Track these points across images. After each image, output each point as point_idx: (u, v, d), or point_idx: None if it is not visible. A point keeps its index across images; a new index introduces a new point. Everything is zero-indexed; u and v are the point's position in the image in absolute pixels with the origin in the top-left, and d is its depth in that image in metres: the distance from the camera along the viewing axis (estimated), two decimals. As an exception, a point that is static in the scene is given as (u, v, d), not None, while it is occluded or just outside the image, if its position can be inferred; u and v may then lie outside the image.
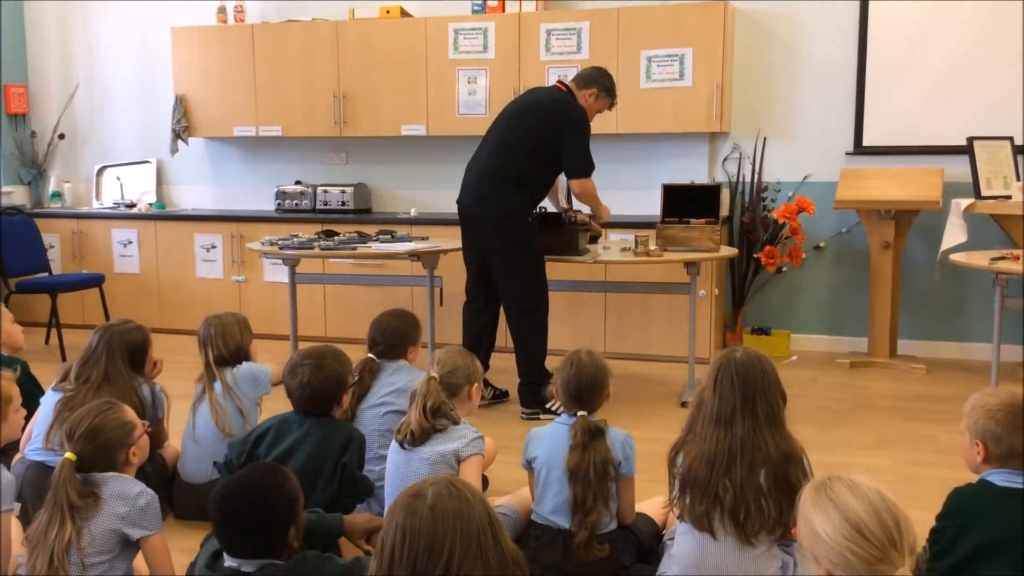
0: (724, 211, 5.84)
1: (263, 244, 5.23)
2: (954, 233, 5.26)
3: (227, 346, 3.43)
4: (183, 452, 3.41)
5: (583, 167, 4.59)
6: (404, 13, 6.37)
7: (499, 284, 4.69)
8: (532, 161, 4.58)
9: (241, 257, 6.53)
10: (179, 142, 6.79)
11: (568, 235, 4.78)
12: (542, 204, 4.85)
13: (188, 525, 3.24)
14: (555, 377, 2.91)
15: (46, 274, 6.48)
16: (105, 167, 7.32)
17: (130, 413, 2.59)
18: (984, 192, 5.28)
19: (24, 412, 2.84)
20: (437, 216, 6.25)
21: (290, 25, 6.52)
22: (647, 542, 2.83)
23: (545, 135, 4.55)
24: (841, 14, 5.82)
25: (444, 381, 2.90)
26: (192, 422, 3.37)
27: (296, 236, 5.31)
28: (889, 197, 5.40)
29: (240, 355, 3.47)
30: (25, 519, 2.68)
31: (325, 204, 6.58)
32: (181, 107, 6.72)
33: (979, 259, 4.59)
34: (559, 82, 4.78)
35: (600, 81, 4.68)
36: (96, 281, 6.39)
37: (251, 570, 2.06)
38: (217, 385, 3.37)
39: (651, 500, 3.00)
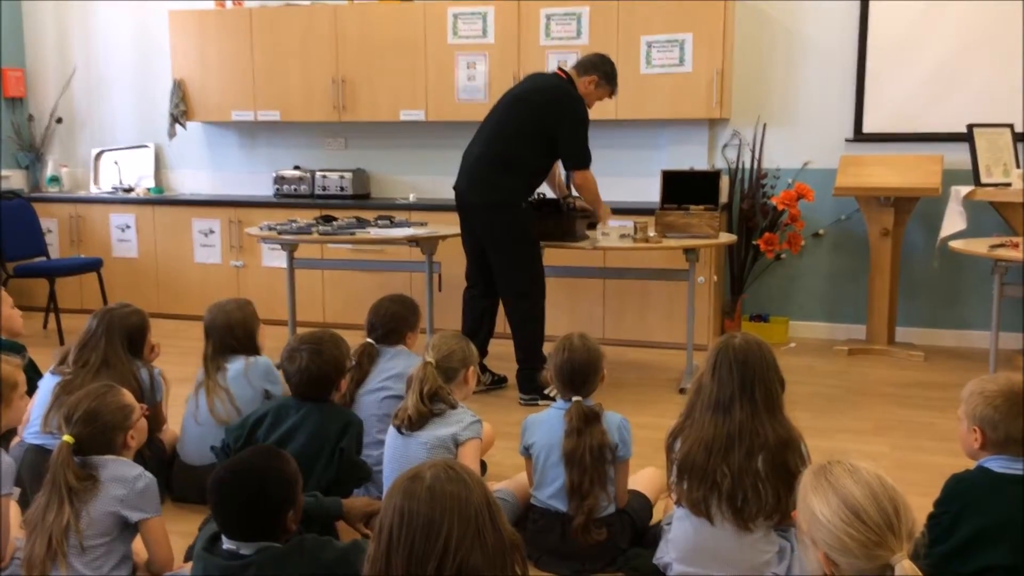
0: (723, 198, 5.82)
1: (261, 229, 5.22)
2: (953, 220, 5.25)
3: (233, 335, 3.44)
4: (184, 432, 3.41)
5: (580, 158, 4.57)
6: (403, -3, 6.34)
7: (495, 270, 4.68)
8: (527, 148, 4.56)
9: (239, 242, 6.52)
10: (177, 126, 6.77)
11: (567, 221, 4.77)
12: (541, 190, 4.84)
13: (186, 508, 3.24)
14: (548, 363, 2.91)
15: (44, 258, 6.47)
16: (103, 151, 7.30)
17: (128, 396, 2.59)
18: (984, 179, 5.28)
19: (28, 399, 2.84)
20: (436, 201, 6.24)
21: (289, 9, 6.49)
22: (640, 520, 2.84)
23: (541, 123, 4.53)
24: (842, 1, 5.79)
25: (440, 366, 2.90)
26: (196, 403, 3.36)
27: (294, 221, 5.30)
28: (888, 184, 5.40)
29: (248, 343, 3.47)
30: (24, 502, 2.68)
31: (324, 189, 6.57)
32: (179, 91, 6.69)
33: (978, 246, 4.59)
34: (559, 68, 4.76)
35: (601, 68, 4.65)
36: (94, 265, 6.39)
37: (249, 553, 2.06)
38: (220, 373, 3.37)
39: (642, 472, 3.00)
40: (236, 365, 3.39)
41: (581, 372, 2.82)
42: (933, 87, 5.68)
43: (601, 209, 4.80)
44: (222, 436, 3.05)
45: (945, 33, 5.62)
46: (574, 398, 2.78)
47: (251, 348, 3.47)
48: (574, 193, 4.89)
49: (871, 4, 5.73)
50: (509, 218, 4.58)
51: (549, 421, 2.83)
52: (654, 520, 2.93)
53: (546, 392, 4.54)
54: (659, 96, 5.78)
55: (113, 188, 7.15)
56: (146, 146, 7.23)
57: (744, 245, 5.95)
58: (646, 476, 3.01)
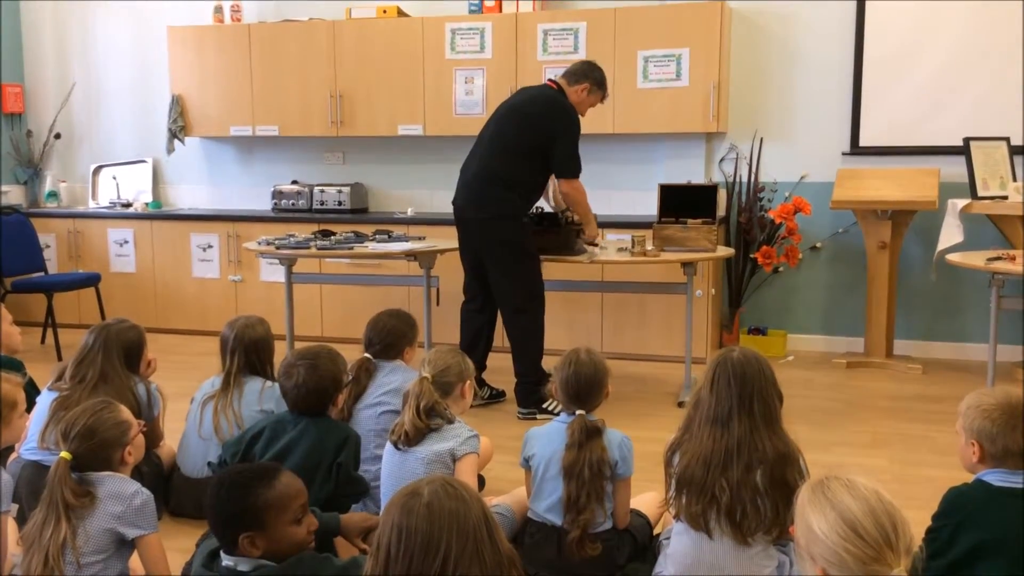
0: (721, 211, 5.85)
1: (259, 244, 5.22)
2: (950, 233, 5.26)
3: (258, 354, 3.43)
4: (186, 445, 3.39)
5: (570, 167, 4.57)
6: (401, 13, 6.36)
7: (494, 284, 4.68)
8: (524, 161, 4.57)
9: (237, 257, 6.52)
10: (175, 142, 6.79)
11: (565, 235, 4.78)
12: (538, 204, 4.85)
13: (184, 524, 3.23)
14: (554, 376, 2.91)
15: (42, 273, 6.47)
16: (101, 166, 7.31)
17: (126, 412, 2.58)
18: (980, 192, 5.29)
19: (28, 417, 2.83)
20: (434, 216, 6.25)
21: (287, 25, 6.51)
22: (641, 537, 2.84)
23: (536, 135, 4.54)
24: (838, 14, 5.82)
25: (436, 380, 2.89)
26: (200, 416, 3.34)
27: (293, 236, 5.30)
28: (885, 197, 5.41)
29: (268, 363, 3.47)
30: (21, 518, 2.67)
31: (322, 204, 6.58)
32: (177, 107, 6.71)
33: (975, 259, 4.59)
34: (550, 80, 4.77)
35: (591, 75, 4.67)
36: (92, 280, 6.38)
37: (246, 569, 2.05)
38: (236, 391, 3.35)
39: (642, 496, 3.00)
40: (253, 386, 3.38)
41: (586, 386, 2.82)
42: (929, 100, 5.70)
43: (589, 224, 4.77)
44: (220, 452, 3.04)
45: (941, 46, 5.64)
46: (577, 412, 2.78)
47: (269, 369, 3.46)
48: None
49: (867, 18, 5.76)
50: (509, 232, 4.59)
51: (551, 434, 2.83)
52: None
53: (545, 406, 4.53)
54: (656, 110, 5.80)
55: (111, 203, 7.16)
56: (144, 161, 7.24)
57: (742, 258, 5.96)
58: (646, 499, 3.01)
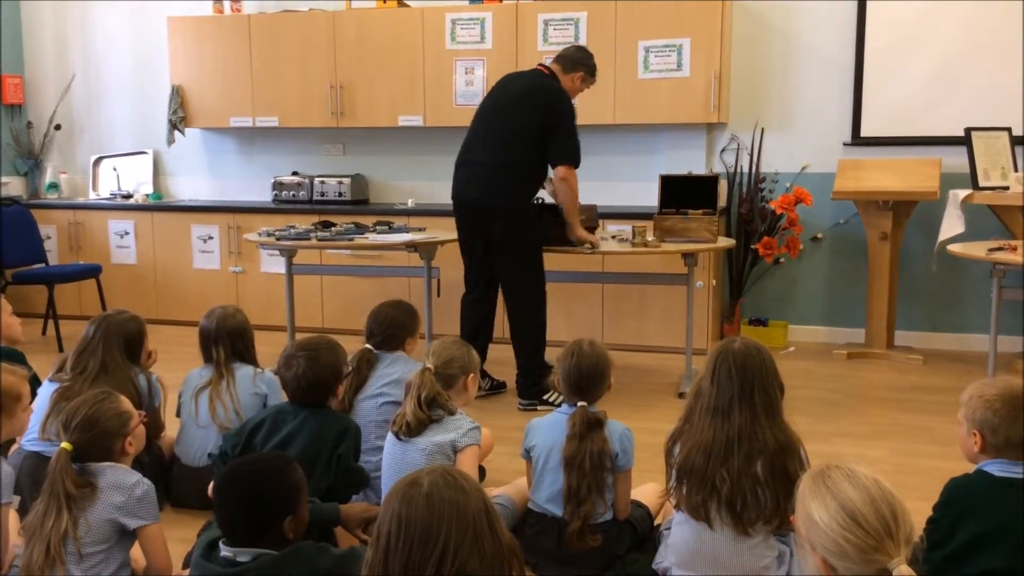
0: (722, 202, 5.84)
1: (260, 235, 5.21)
2: (952, 224, 5.26)
3: (242, 340, 3.47)
4: (184, 435, 3.40)
5: (571, 154, 4.51)
6: (401, 3, 6.35)
7: (505, 276, 4.66)
8: (535, 152, 4.56)
9: (238, 248, 6.52)
10: (176, 133, 6.77)
11: (566, 226, 4.76)
12: (539, 196, 4.84)
13: (185, 515, 3.24)
14: (556, 367, 2.91)
15: (43, 265, 6.47)
16: (102, 158, 7.31)
17: (126, 403, 2.58)
18: (982, 183, 5.28)
19: (31, 410, 2.84)
20: (434, 207, 6.24)
21: (287, 15, 6.50)
22: (641, 528, 2.84)
23: (543, 125, 4.53)
24: (839, 4, 5.81)
25: (439, 372, 2.89)
26: (195, 406, 3.36)
27: (293, 227, 5.30)
28: (887, 188, 5.40)
29: (251, 349, 3.50)
30: (22, 509, 2.67)
31: (322, 195, 6.57)
32: (177, 98, 6.70)
33: (977, 250, 4.58)
34: (541, 66, 4.75)
35: (585, 63, 4.68)
36: (93, 272, 6.39)
37: (246, 560, 2.06)
38: (228, 377, 3.37)
39: (643, 487, 3.01)
40: (245, 371, 3.40)
41: (588, 378, 2.82)
42: (931, 91, 5.68)
43: (577, 227, 4.63)
44: (220, 441, 3.05)
45: (943, 37, 5.63)
46: (579, 403, 2.78)
47: (253, 355, 3.49)
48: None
49: (868, 8, 5.74)
50: (525, 224, 4.60)
51: (552, 424, 2.83)
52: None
53: (546, 397, 4.53)
54: (657, 101, 5.79)
55: (112, 194, 7.16)
56: (145, 152, 7.24)
57: (743, 249, 5.96)
58: (647, 490, 3.02)
